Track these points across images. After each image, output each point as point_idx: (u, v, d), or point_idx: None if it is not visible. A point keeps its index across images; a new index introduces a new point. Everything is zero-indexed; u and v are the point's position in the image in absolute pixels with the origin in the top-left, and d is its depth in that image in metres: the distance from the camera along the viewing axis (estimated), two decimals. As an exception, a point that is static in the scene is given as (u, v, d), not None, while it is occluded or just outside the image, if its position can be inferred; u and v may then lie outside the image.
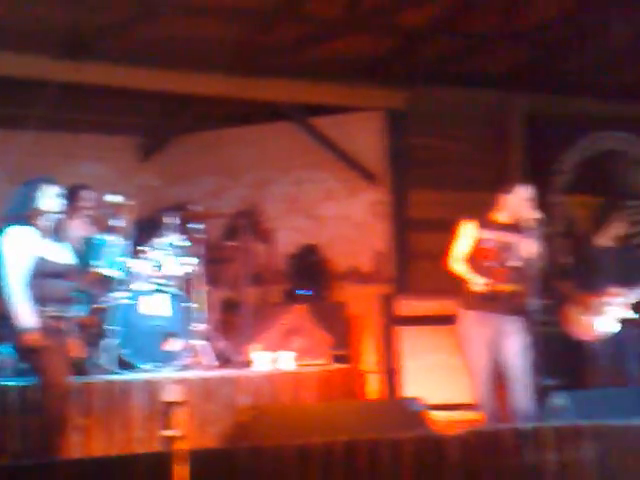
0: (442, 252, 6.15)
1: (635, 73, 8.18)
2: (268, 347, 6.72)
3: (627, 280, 6.47)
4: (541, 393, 5.48)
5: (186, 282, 6.75)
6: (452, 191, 8.28)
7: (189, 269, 6.72)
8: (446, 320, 6.93)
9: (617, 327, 6.38)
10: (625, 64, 7.86)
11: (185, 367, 6.37)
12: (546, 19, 7.28)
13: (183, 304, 6.55)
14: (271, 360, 6.57)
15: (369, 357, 7.91)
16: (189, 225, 6.94)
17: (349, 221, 8.40)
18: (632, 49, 7.57)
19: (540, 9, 7.17)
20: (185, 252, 6.72)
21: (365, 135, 8.37)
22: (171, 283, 6.58)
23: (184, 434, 3.48)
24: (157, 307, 6.45)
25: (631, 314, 6.38)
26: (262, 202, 8.44)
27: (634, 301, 6.41)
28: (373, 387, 7.68)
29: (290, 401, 6.15)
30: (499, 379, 6.00)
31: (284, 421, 4.37)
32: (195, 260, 6.75)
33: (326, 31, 7.32)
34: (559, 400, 4.65)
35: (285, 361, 6.55)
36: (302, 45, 7.45)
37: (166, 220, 6.77)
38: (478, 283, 5.85)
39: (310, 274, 7.97)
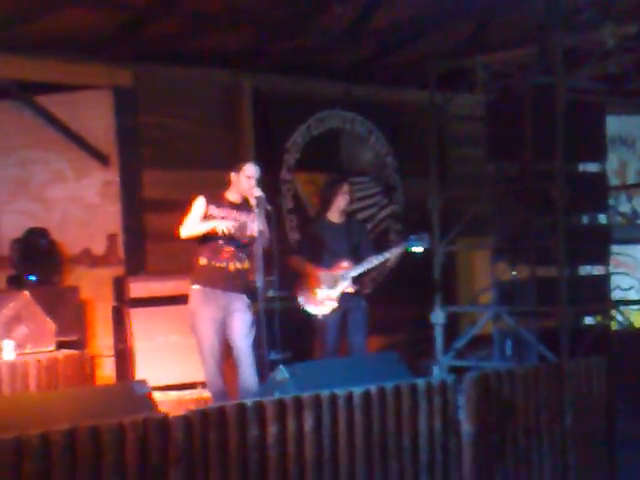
0: (177, 232, 6.11)
1: (357, 54, 8.50)
2: (-11, 337, 6.41)
3: (353, 254, 6.73)
4: (268, 368, 5.59)
5: None
6: (186, 171, 8.24)
7: None
8: (179, 300, 6.92)
9: (343, 300, 6.62)
10: (347, 45, 8.13)
11: None
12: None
13: None
14: (-7, 350, 6.29)
15: (102, 341, 7.74)
16: None
17: (80, 203, 8.11)
18: (353, 31, 7.83)
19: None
20: None
21: (93, 114, 8.09)
22: None
23: None
24: None
25: (356, 287, 6.65)
26: (-16, 185, 7.99)
27: (358, 274, 6.68)
28: (105, 372, 7.54)
29: (13, 392, 5.91)
30: (227, 356, 6.06)
31: (-3, 413, 4.14)
32: None
33: (47, 4, 6.97)
34: (280, 374, 4.75)
35: (6, 351, 6.28)
36: (21, 19, 7.07)
37: None
38: (222, 225, 5.90)
39: (38, 259, 7.65)
